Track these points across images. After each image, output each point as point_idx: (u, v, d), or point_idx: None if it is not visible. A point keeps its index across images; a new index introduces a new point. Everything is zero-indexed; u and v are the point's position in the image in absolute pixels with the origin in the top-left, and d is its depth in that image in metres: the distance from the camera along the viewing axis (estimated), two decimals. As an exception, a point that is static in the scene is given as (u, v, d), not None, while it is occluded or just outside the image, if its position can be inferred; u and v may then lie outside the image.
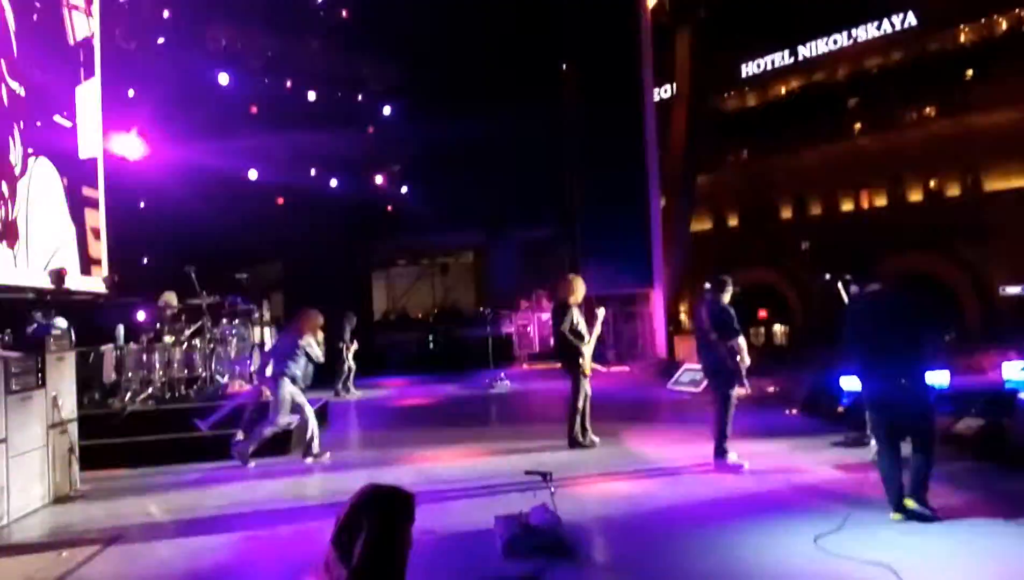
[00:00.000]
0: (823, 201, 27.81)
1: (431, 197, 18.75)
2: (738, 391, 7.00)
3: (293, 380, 7.89)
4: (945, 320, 19.76)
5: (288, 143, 17.31)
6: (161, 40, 14.10)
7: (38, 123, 9.58)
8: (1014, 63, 22.22)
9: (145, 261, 14.50)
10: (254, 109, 16.78)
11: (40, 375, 6.63)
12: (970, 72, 23.90)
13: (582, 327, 8.01)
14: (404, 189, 19.77)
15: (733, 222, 30.17)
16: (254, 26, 16.24)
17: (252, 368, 10.37)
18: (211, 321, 9.53)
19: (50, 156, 9.73)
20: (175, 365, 9.29)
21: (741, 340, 6.82)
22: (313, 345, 8.04)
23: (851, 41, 26.81)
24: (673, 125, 19.77)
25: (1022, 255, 21.01)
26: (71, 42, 10.73)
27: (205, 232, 14.33)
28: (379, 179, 19.45)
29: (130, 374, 9.01)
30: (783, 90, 29.02)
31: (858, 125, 26.81)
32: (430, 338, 21.13)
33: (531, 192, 18.25)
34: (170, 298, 9.83)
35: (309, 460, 7.91)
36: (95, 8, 11.31)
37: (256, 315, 10.90)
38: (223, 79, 15.63)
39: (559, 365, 8.58)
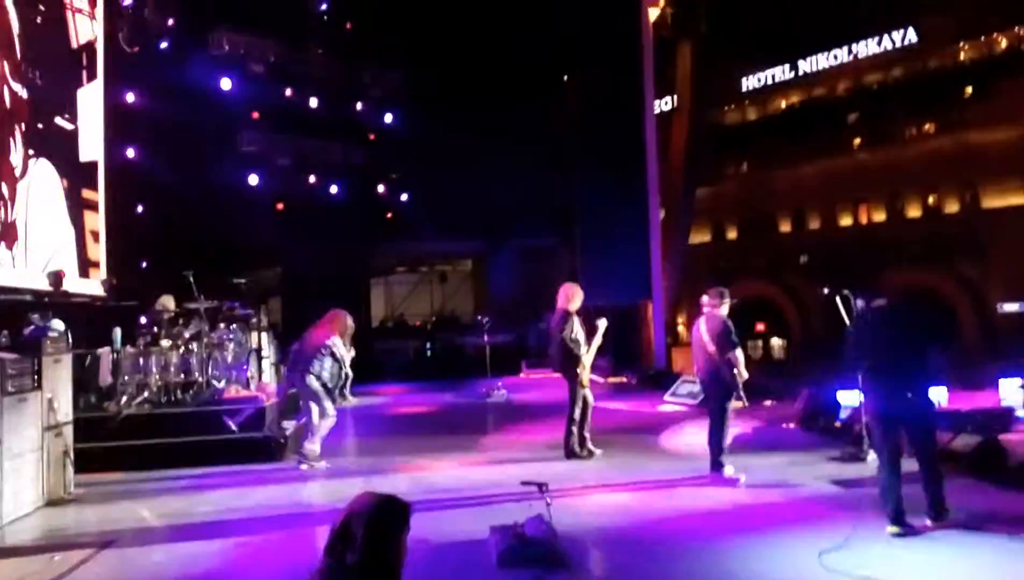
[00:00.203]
0: (822, 215, 27.87)
1: (431, 205, 18.75)
2: (735, 404, 7.00)
3: (318, 378, 7.93)
4: (949, 336, 19.81)
5: (289, 149, 17.34)
6: (164, 44, 14.14)
7: (39, 125, 9.58)
8: (1013, 81, 22.34)
9: (144, 265, 14.49)
10: (255, 115, 16.81)
11: (36, 377, 6.60)
12: (969, 89, 24.01)
13: (580, 336, 8.02)
14: (404, 196, 19.78)
15: (732, 235, 30.22)
16: (256, 32, 16.31)
17: (250, 372, 10.34)
18: (209, 325, 9.51)
19: (51, 158, 9.73)
20: (172, 369, 9.25)
21: (739, 353, 6.82)
22: (339, 345, 8.05)
23: (851, 57, 26.93)
24: (673, 137, 19.83)
25: (1020, 272, 21.06)
26: (74, 45, 10.76)
27: (204, 237, 14.32)
28: (379, 186, 19.47)
29: (126, 378, 8.97)
30: (783, 104, 29.13)
31: (857, 140, 26.91)
32: (428, 346, 21.10)
33: (531, 201, 18.25)
34: (168, 302, 9.79)
35: (304, 467, 7.89)
36: (99, 12, 11.35)
37: (254, 320, 10.87)
38: (225, 84, 15.67)
39: (557, 374, 8.58)
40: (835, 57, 27.30)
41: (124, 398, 8.77)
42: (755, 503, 6.10)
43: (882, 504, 5.20)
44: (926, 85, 24.89)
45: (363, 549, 2.30)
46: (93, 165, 11.08)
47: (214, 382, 9.29)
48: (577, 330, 8.00)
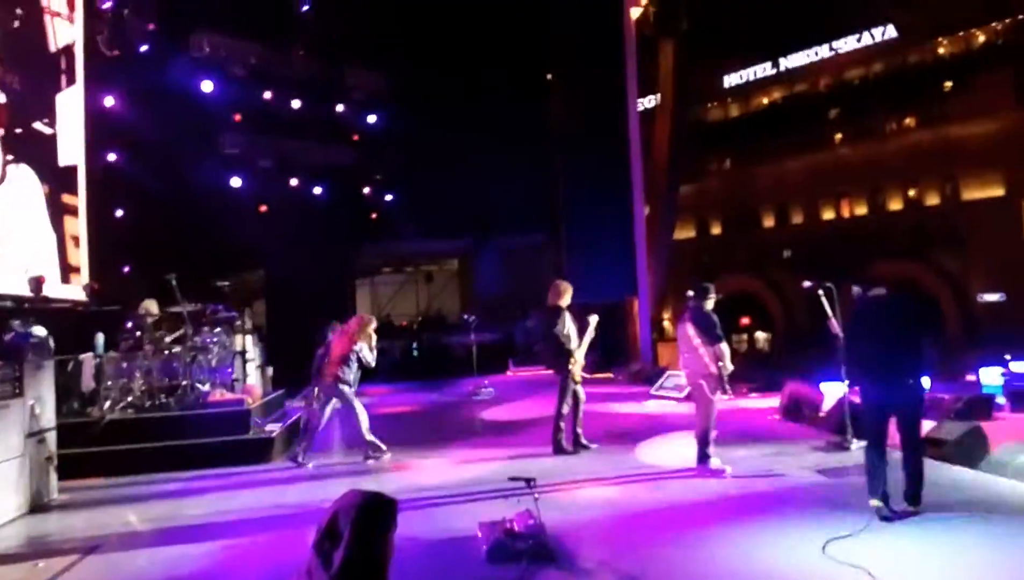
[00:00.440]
0: (805, 210, 28.05)
1: (416, 205, 18.74)
2: (720, 396, 7.05)
3: (348, 385, 8.18)
4: (940, 328, 20.06)
5: (271, 151, 17.26)
6: (144, 47, 14.03)
7: (18, 130, 9.49)
8: (991, 75, 22.59)
9: (127, 269, 14.37)
10: (237, 117, 16.72)
11: (18, 384, 6.55)
12: (948, 84, 24.23)
13: (572, 331, 8.05)
14: (389, 197, 19.74)
15: (716, 230, 30.34)
16: (238, 34, 16.22)
17: (234, 375, 10.29)
18: (192, 329, 9.44)
19: (30, 163, 9.65)
20: (155, 373, 9.19)
21: (724, 346, 6.88)
22: (365, 350, 8.34)
23: (832, 53, 27.12)
24: (657, 135, 19.88)
25: (999, 263, 21.31)
26: (52, 49, 10.67)
27: (187, 240, 14.22)
28: (364, 188, 19.41)
29: (109, 383, 8.90)
30: (765, 101, 29.29)
31: (839, 135, 27.09)
32: (414, 346, 21.07)
33: (516, 200, 18.28)
34: (150, 306, 9.71)
35: (370, 462, 8.06)
36: (78, 15, 11.25)
37: (238, 323, 10.82)
38: (207, 86, 15.57)
39: (548, 370, 8.61)
40: (816, 54, 27.47)
41: (108, 403, 8.70)
42: (742, 494, 6.15)
43: (868, 484, 5.30)
44: (906, 80, 25.10)
45: (350, 546, 2.29)
46: (73, 169, 10.99)
47: (198, 386, 9.24)
48: (569, 325, 8.04)
